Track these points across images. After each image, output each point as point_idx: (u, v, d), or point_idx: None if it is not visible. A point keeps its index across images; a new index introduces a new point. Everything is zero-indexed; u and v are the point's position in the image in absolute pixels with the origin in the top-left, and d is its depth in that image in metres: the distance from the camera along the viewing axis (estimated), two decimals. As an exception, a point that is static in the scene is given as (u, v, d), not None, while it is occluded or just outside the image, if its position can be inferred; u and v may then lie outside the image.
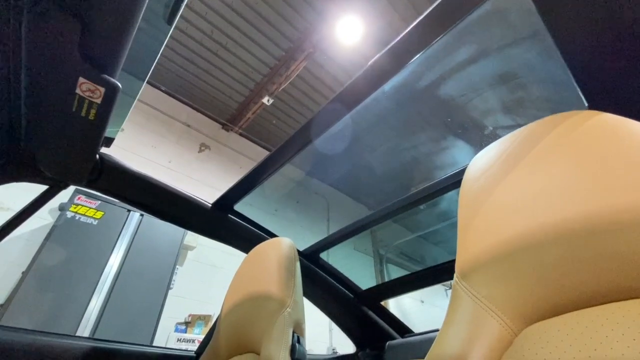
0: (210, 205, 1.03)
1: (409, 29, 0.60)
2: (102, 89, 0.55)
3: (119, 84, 0.57)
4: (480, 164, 0.48)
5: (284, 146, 0.86)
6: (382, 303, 1.30)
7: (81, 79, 0.53)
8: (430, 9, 0.56)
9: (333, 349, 3.74)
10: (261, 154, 4.61)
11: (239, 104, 4.08)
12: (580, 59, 0.50)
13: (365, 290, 1.27)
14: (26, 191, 1.22)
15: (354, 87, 0.71)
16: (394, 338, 1.24)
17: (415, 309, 5.10)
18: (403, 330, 1.28)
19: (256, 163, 0.92)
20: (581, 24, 0.46)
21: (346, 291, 1.24)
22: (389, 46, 0.63)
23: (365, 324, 1.26)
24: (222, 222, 1.06)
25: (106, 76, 0.54)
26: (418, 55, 0.63)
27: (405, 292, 1.24)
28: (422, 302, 5.34)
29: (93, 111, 0.59)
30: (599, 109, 0.40)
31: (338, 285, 1.23)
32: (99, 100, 0.57)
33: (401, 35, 0.61)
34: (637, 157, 0.31)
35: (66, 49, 0.49)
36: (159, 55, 0.83)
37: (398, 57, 0.64)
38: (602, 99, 0.52)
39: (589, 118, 0.38)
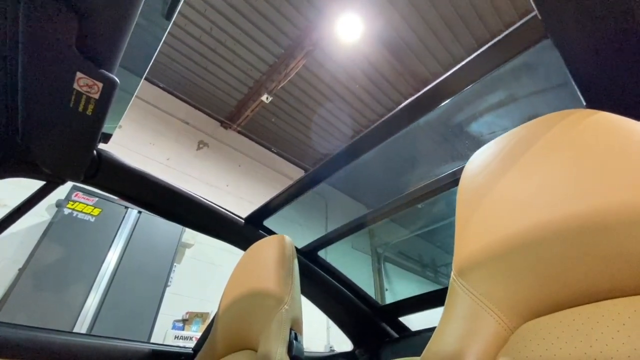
0: (210, 203, 1.03)
1: (445, 75, 0.64)
2: (100, 85, 0.55)
3: (117, 80, 0.56)
4: (479, 162, 0.48)
5: (315, 172, 0.93)
6: (379, 301, 1.30)
7: (79, 74, 0.53)
8: (462, 63, 0.61)
9: (330, 347, 3.74)
10: (260, 152, 4.59)
11: (237, 101, 4.06)
12: (578, 58, 0.50)
13: (383, 306, 1.28)
14: (23, 187, 1.21)
15: (389, 122, 0.75)
16: (391, 336, 1.25)
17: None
18: (400, 328, 1.28)
19: (288, 184, 1.01)
20: (579, 23, 0.46)
21: (344, 289, 1.24)
22: (429, 85, 0.67)
23: (363, 322, 1.26)
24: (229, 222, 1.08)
25: (104, 71, 0.54)
26: (450, 99, 0.68)
27: (423, 310, 1.23)
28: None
29: (91, 107, 0.59)
30: (597, 108, 0.40)
31: (336, 283, 1.23)
32: (96, 96, 0.57)
33: (441, 78, 0.65)
34: (635, 156, 0.32)
35: (64, 44, 0.48)
36: (157, 51, 0.83)
37: (434, 98, 0.68)
38: (600, 97, 0.52)
39: (587, 116, 0.38)
